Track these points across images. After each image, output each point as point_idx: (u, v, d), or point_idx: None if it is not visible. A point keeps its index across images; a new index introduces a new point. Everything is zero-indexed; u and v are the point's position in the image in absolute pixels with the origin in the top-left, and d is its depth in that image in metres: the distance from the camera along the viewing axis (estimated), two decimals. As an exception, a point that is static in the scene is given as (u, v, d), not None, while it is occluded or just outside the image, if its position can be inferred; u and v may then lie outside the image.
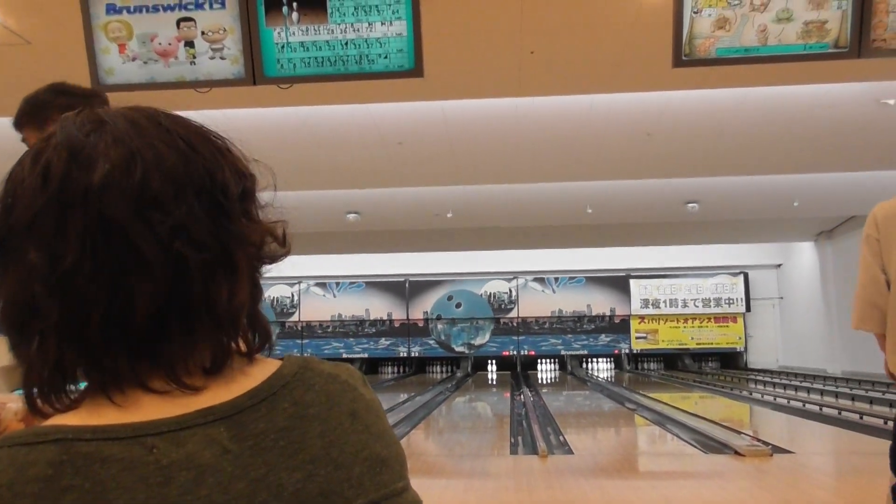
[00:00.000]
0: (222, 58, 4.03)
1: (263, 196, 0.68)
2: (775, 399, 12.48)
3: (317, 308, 22.59)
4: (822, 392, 12.45)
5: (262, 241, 0.65)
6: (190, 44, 4.02)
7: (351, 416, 0.63)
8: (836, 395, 11.96)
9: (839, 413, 9.83)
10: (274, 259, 0.67)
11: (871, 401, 10.77)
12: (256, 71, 4.07)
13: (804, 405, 11.08)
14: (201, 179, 0.61)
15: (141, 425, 0.56)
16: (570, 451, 7.32)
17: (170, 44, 4.01)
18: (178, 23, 4.01)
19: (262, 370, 0.64)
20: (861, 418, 9.04)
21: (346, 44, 3.99)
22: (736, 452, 6.48)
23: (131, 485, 0.53)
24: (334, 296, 22.59)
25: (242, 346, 0.65)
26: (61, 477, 0.53)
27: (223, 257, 0.61)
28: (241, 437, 0.58)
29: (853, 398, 11.34)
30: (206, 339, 0.61)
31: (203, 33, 4.00)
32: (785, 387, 14.36)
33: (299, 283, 22.36)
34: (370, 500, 0.59)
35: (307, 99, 7.05)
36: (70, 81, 2.17)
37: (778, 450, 6.71)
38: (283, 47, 4.01)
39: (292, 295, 22.42)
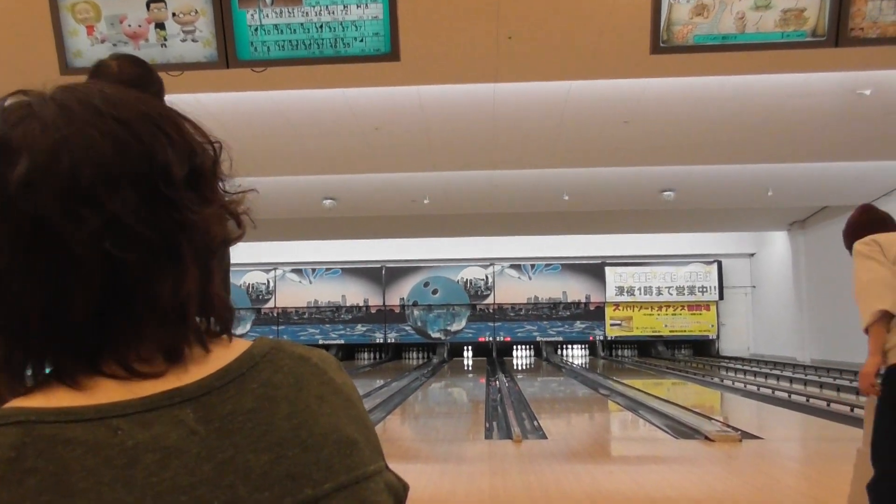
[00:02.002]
0: (194, 40, 3.97)
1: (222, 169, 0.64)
2: (746, 386, 12.66)
3: (293, 294, 22.50)
4: (791, 379, 12.66)
5: (210, 226, 0.61)
6: (161, 26, 3.96)
7: (319, 399, 0.62)
8: (805, 382, 12.16)
9: (807, 400, 9.99)
10: (226, 243, 0.63)
11: (839, 388, 10.96)
12: (229, 54, 4.02)
13: (773, 392, 11.25)
14: (138, 166, 0.57)
15: (106, 407, 0.55)
16: (543, 436, 7.38)
17: (140, 25, 3.95)
18: (147, 4, 3.95)
19: (232, 351, 0.63)
20: (828, 405, 9.20)
21: (321, 27, 3.95)
22: (706, 438, 6.56)
23: (95, 467, 0.52)
24: (310, 282, 22.51)
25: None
26: (24, 459, 0.51)
27: (165, 249, 0.58)
28: (208, 419, 0.57)
29: (821, 386, 11.53)
30: (152, 335, 0.59)
31: (174, 15, 3.94)
32: (755, 374, 14.56)
33: (275, 269, 22.25)
34: (340, 483, 0.58)
35: (282, 83, 6.97)
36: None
37: (747, 435, 6.81)
38: (256, 30, 3.97)
39: (268, 281, 22.32)
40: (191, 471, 0.54)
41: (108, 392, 0.56)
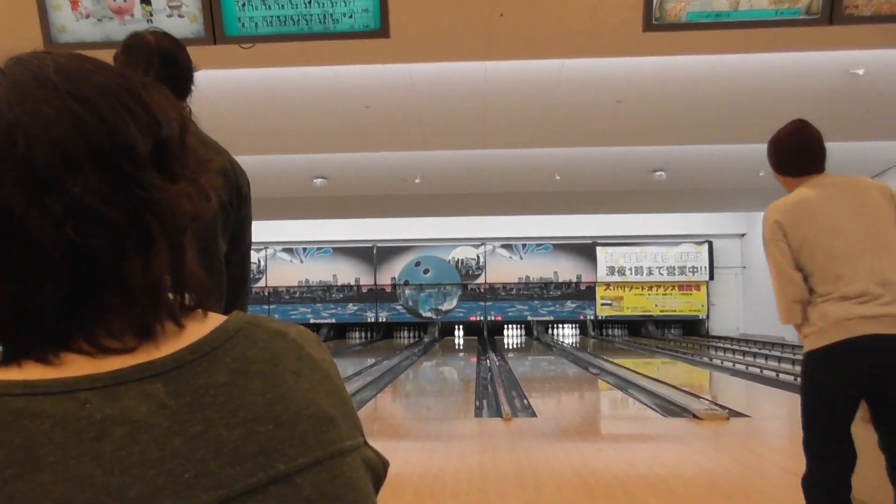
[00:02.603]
0: (180, 16, 3.92)
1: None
2: (734, 365, 12.75)
3: (284, 274, 22.49)
4: (779, 359, 12.75)
5: (180, 204, 0.59)
6: (146, 1, 3.90)
7: (295, 375, 0.60)
8: (793, 361, 12.23)
9: (795, 379, 10.05)
10: (197, 219, 0.60)
11: (827, 367, 11.04)
12: (217, 30, 3.97)
13: (762, 371, 11.34)
14: (98, 145, 0.54)
15: (74, 380, 0.54)
16: (533, 415, 7.41)
17: (125, 0, 3.89)
18: (134, -23, 3.90)
19: (207, 325, 0.61)
20: (817, 384, 9.27)
21: (310, 2, 3.90)
22: (694, 416, 6.61)
23: (63, 440, 0.51)
24: (301, 261, 22.49)
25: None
26: None
27: (133, 231, 0.56)
28: (179, 393, 0.55)
29: (810, 364, 11.59)
30: (123, 317, 0.57)
31: (161, -12, 3.89)
32: (744, 353, 14.66)
33: (266, 248, 22.20)
34: (314, 458, 0.57)
35: (270, 60, 6.90)
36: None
37: (735, 414, 6.86)
38: (243, 5, 3.91)
39: (259, 261, 22.27)
40: (160, 444, 0.53)
41: (77, 366, 0.55)
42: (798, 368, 11.13)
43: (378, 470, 0.65)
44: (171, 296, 0.61)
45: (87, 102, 0.55)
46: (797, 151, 2.90)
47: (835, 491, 2.68)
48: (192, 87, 2.07)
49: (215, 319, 0.62)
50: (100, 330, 0.57)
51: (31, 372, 0.55)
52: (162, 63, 1.96)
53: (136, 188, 0.56)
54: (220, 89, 7.92)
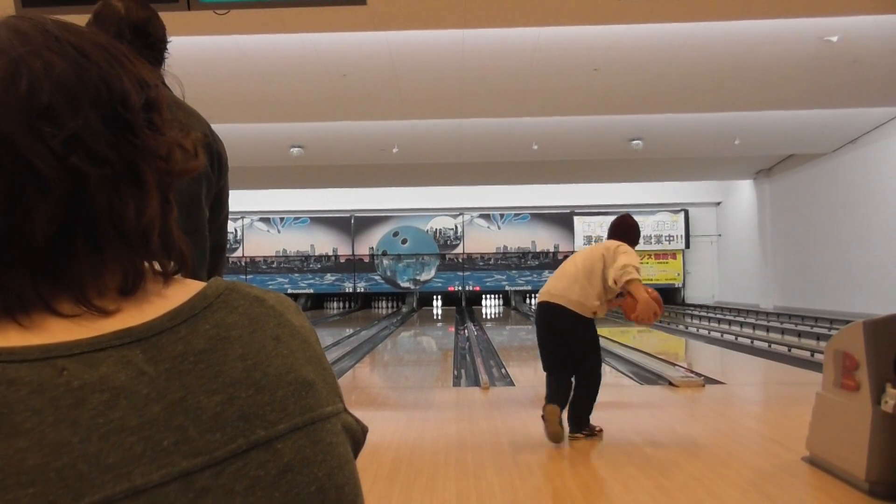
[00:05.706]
0: (153, -22, 3.83)
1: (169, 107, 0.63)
2: (710, 333, 12.92)
3: (261, 243, 22.38)
4: (754, 326, 12.94)
5: (169, 153, 0.61)
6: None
7: (275, 340, 0.61)
8: (767, 328, 12.44)
9: (769, 346, 10.23)
10: (185, 173, 0.63)
11: (800, 334, 11.24)
12: (190, -6, 3.89)
13: (737, 338, 11.50)
14: (97, 89, 0.57)
15: (51, 347, 0.53)
16: (511, 384, 7.48)
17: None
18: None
19: (185, 291, 0.61)
20: (789, 351, 9.44)
21: (285, -33, 3.83)
22: (670, 383, 6.71)
23: (40, 407, 0.50)
24: (279, 231, 22.38)
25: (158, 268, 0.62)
26: None
27: (127, 171, 0.57)
28: (158, 360, 0.55)
29: (783, 332, 11.81)
30: (115, 259, 0.58)
31: (132, -49, 3.78)
32: (719, 321, 14.85)
33: (242, 218, 22.05)
34: (294, 424, 0.57)
35: (247, 27, 6.80)
36: None
37: (710, 381, 6.97)
38: (217, -31, 3.84)
39: (235, 230, 22.13)
40: (139, 411, 0.53)
41: (56, 332, 0.55)
42: (772, 335, 11.33)
43: (357, 436, 0.65)
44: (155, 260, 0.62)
45: (85, 52, 0.58)
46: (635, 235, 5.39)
47: None
48: (166, 57, 2.01)
49: (195, 286, 0.62)
50: (90, 287, 0.57)
51: (9, 338, 0.54)
52: (134, 35, 1.89)
53: (130, 134, 0.58)
54: (195, 56, 7.79)
